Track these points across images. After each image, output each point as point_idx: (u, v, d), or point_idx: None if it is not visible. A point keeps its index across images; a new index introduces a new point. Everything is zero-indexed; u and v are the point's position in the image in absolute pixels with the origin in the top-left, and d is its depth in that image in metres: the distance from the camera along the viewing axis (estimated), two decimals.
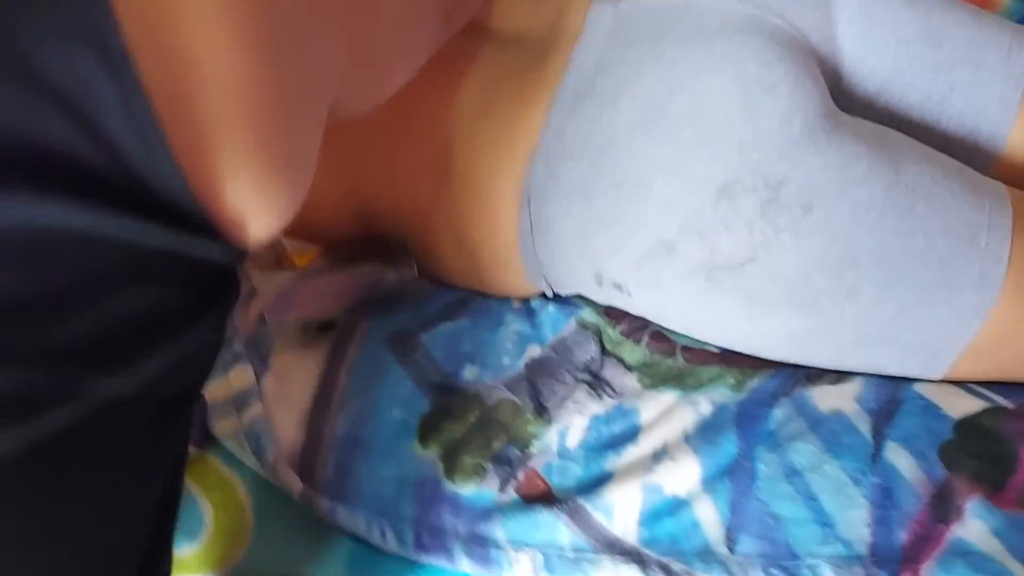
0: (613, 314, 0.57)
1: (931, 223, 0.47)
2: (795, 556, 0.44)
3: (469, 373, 0.54)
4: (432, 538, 0.47)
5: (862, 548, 0.44)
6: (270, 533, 0.51)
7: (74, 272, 0.20)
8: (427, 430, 0.51)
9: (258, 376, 0.54)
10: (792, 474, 0.47)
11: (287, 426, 0.52)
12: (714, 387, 0.52)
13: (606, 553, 0.46)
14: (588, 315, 0.57)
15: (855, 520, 0.45)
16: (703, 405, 0.51)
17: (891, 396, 0.50)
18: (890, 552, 0.43)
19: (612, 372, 0.54)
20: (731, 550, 0.45)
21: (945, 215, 0.47)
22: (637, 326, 0.56)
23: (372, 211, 0.58)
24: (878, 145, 0.49)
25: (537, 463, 0.50)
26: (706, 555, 0.45)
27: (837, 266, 0.47)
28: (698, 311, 0.52)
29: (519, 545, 0.46)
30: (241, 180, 0.23)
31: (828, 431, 0.48)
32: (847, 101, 0.54)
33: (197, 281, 0.24)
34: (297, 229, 0.64)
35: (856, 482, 0.46)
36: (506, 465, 0.49)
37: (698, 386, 0.52)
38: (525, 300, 0.59)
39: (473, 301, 0.59)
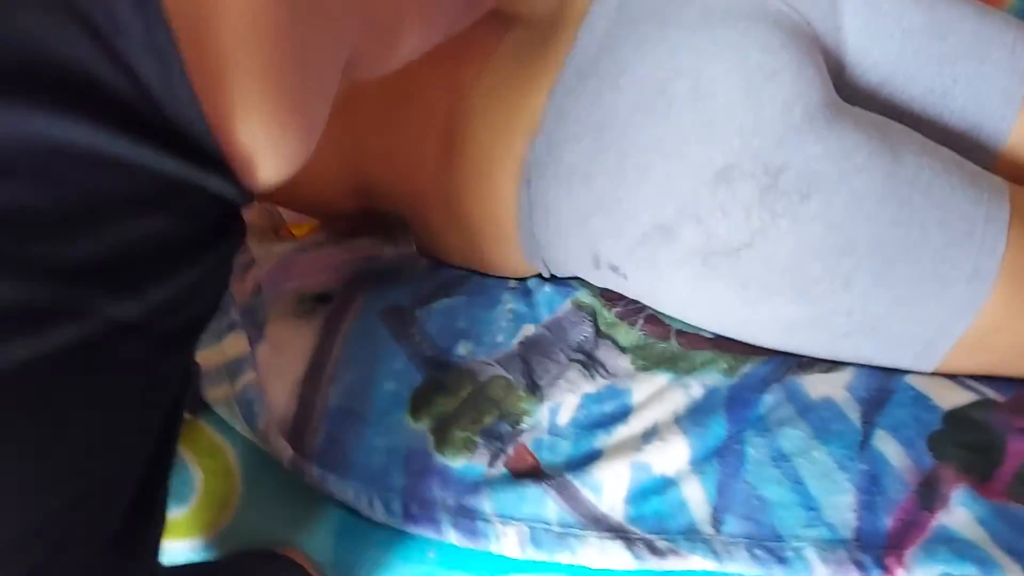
0: (609, 296, 0.57)
1: (928, 215, 0.47)
2: (780, 538, 0.44)
3: (463, 349, 0.55)
4: (420, 509, 0.48)
5: (847, 532, 0.44)
6: (259, 500, 0.51)
7: (88, 192, 0.21)
8: (419, 403, 0.52)
9: (252, 345, 0.54)
10: (780, 458, 0.47)
11: (279, 394, 0.52)
12: (706, 371, 0.52)
13: (592, 529, 0.46)
14: (584, 296, 0.57)
15: (841, 505, 0.45)
16: (695, 388, 0.51)
17: (882, 386, 0.50)
18: (875, 537, 0.44)
19: (606, 353, 0.54)
20: (717, 530, 0.45)
21: (942, 207, 0.47)
22: (632, 309, 0.56)
23: (372, 186, 0.59)
24: (879, 135, 0.49)
25: (527, 439, 0.50)
26: (691, 534, 0.45)
27: (833, 254, 0.48)
28: (693, 296, 0.52)
29: (506, 519, 0.47)
30: (254, 116, 0.24)
31: (817, 418, 0.48)
32: (850, 92, 0.55)
33: (205, 217, 0.24)
34: (296, 201, 0.64)
35: (843, 468, 0.46)
36: (496, 440, 0.50)
37: (690, 370, 0.52)
38: (522, 280, 0.59)
39: (470, 279, 0.59)
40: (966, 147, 0.54)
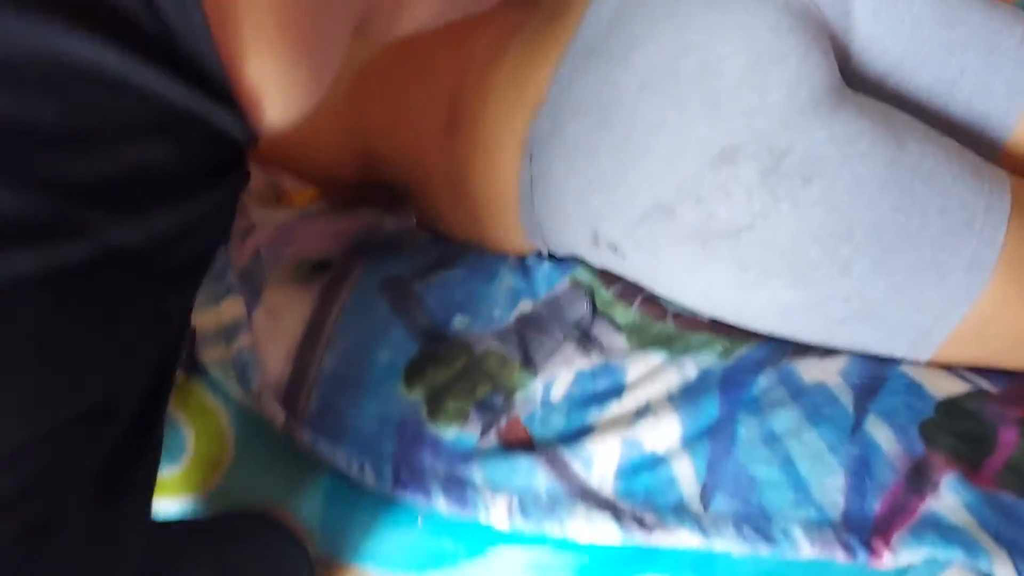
0: (607, 276, 0.57)
1: (929, 203, 0.47)
2: (768, 517, 0.45)
3: (459, 322, 0.55)
4: (410, 476, 0.48)
5: (835, 514, 0.44)
6: (249, 463, 0.51)
7: (94, 111, 0.21)
8: (413, 373, 0.52)
9: (249, 309, 0.54)
10: (771, 439, 0.47)
11: (275, 359, 0.52)
12: (701, 352, 0.52)
13: (581, 501, 0.46)
14: (582, 275, 0.57)
15: (830, 487, 0.45)
16: (689, 368, 0.51)
17: (876, 373, 0.50)
18: (862, 520, 0.44)
19: (602, 331, 0.54)
20: (705, 507, 0.45)
21: (944, 196, 0.47)
22: (630, 289, 0.56)
23: (375, 154, 0.59)
24: (883, 123, 0.49)
25: (520, 412, 0.50)
26: (680, 510, 0.45)
27: (833, 239, 0.48)
28: (692, 277, 0.52)
29: (496, 488, 0.47)
30: (265, 55, 0.24)
31: (810, 401, 0.49)
32: (857, 79, 0.54)
33: (209, 153, 0.24)
34: (299, 167, 0.64)
35: (834, 451, 0.46)
36: (489, 412, 0.50)
37: (686, 350, 0.52)
38: (521, 257, 0.59)
39: (469, 253, 0.59)
40: (971, 138, 0.54)
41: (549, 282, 0.57)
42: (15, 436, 0.21)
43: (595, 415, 0.50)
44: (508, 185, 0.54)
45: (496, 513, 0.46)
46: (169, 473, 0.51)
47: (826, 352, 0.52)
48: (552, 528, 0.46)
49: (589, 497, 0.46)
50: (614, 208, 0.52)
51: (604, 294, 0.56)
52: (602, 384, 0.51)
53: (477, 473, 0.47)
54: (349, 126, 0.57)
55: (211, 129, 0.24)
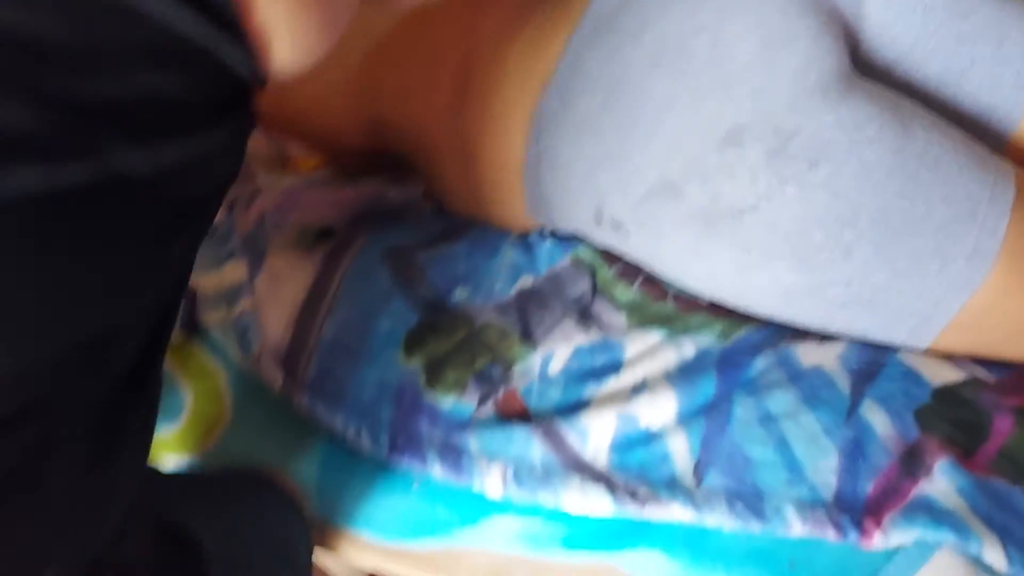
0: (609, 255, 0.57)
1: (934, 191, 0.47)
2: (760, 495, 0.45)
3: (460, 294, 0.55)
4: (407, 442, 0.48)
5: (827, 494, 0.44)
6: (246, 425, 0.51)
7: (106, 34, 0.21)
8: (413, 342, 0.52)
9: (252, 274, 0.54)
10: (767, 419, 0.47)
11: (275, 323, 0.52)
12: (700, 333, 0.52)
13: (576, 473, 0.46)
14: (584, 253, 0.57)
15: (823, 468, 0.45)
16: (687, 347, 0.51)
17: (874, 359, 0.50)
18: (854, 500, 0.44)
19: (602, 308, 0.54)
20: (698, 483, 0.46)
21: (948, 185, 0.47)
22: (631, 269, 0.56)
23: (384, 122, 0.59)
24: (891, 109, 0.49)
25: (518, 384, 0.50)
26: (672, 485, 0.45)
27: (836, 224, 0.48)
28: (694, 258, 0.53)
29: (491, 457, 0.47)
30: None
31: (807, 384, 0.49)
32: (866, 65, 0.54)
33: (217, 88, 0.25)
34: (307, 132, 0.64)
35: (829, 433, 0.46)
36: (487, 383, 0.50)
37: (684, 330, 0.53)
38: (523, 234, 0.60)
39: (472, 228, 0.59)
40: (977, 129, 0.54)
41: (551, 259, 0.57)
42: (17, 355, 0.22)
43: (592, 390, 0.50)
44: (514, 158, 0.55)
45: (490, 481, 0.46)
46: (166, 432, 0.51)
47: (825, 338, 0.52)
48: (546, 498, 0.46)
49: (583, 469, 0.46)
50: (619, 185, 0.52)
51: (605, 273, 0.56)
52: (600, 360, 0.51)
53: (473, 441, 0.48)
54: (360, 94, 0.57)
55: (219, 64, 0.24)
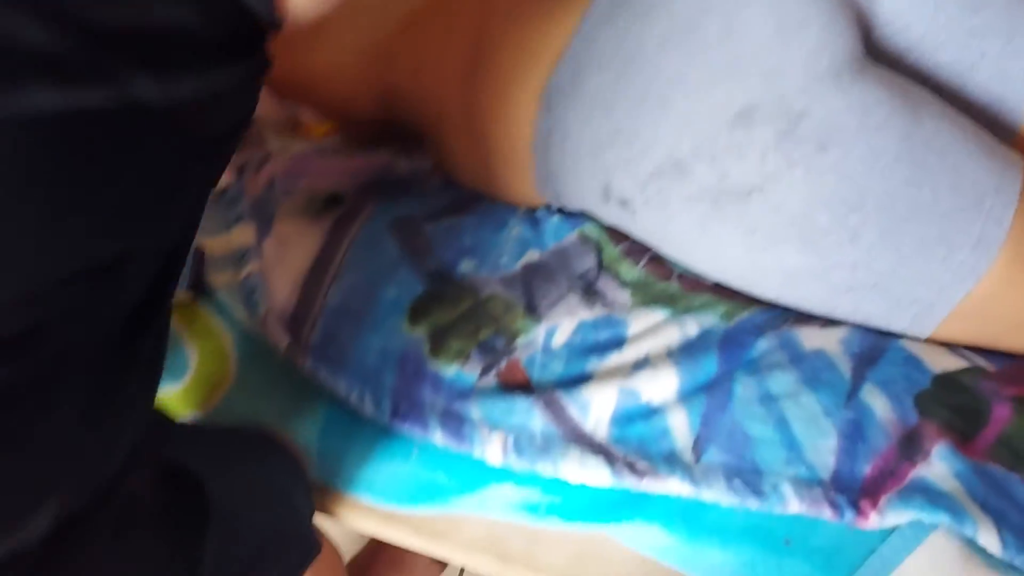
0: (615, 233, 0.57)
1: (941, 179, 0.47)
2: (759, 472, 0.45)
3: (466, 266, 0.55)
4: (409, 408, 0.48)
5: (825, 473, 0.45)
6: (250, 386, 0.52)
7: None
8: (418, 311, 0.52)
9: (260, 237, 0.54)
10: (767, 399, 0.47)
11: (282, 287, 0.52)
12: (704, 313, 0.53)
13: (575, 444, 0.46)
14: (591, 230, 0.57)
15: (822, 448, 0.45)
16: (690, 326, 0.52)
17: (876, 344, 0.51)
18: (852, 481, 0.44)
19: (607, 285, 0.55)
20: (697, 459, 0.46)
21: (956, 173, 0.48)
22: (637, 248, 0.57)
23: (396, 92, 0.59)
24: (901, 96, 0.49)
25: (521, 355, 0.50)
26: (671, 459, 0.46)
27: (843, 207, 0.48)
28: (699, 238, 0.53)
29: (493, 425, 0.47)
30: None
31: (809, 366, 0.49)
32: (877, 53, 0.55)
33: (233, 26, 0.25)
34: (320, 99, 0.64)
35: (829, 414, 0.47)
36: (490, 353, 0.50)
37: (688, 309, 0.53)
38: (531, 209, 0.60)
39: (480, 200, 0.59)
40: (986, 120, 0.54)
41: (557, 234, 0.57)
42: (26, 272, 0.22)
43: (594, 364, 0.50)
44: (524, 134, 0.55)
45: (491, 449, 0.47)
46: (171, 390, 0.51)
47: (828, 322, 0.53)
48: (545, 468, 0.46)
49: (583, 441, 0.47)
50: (628, 162, 0.52)
51: (611, 250, 0.56)
52: (603, 335, 0.51)
53: (475, 410, 0.48)
54: (373, 63, 0.57)
55: (236, 4, 0.24)
